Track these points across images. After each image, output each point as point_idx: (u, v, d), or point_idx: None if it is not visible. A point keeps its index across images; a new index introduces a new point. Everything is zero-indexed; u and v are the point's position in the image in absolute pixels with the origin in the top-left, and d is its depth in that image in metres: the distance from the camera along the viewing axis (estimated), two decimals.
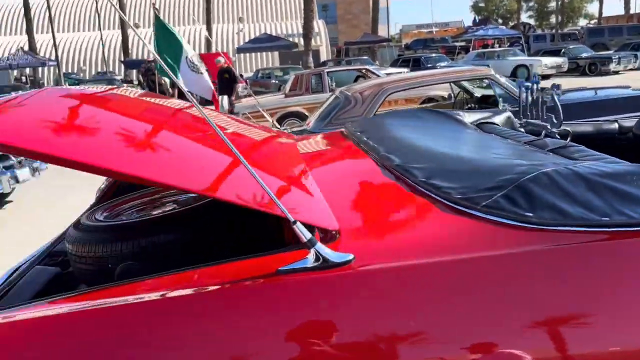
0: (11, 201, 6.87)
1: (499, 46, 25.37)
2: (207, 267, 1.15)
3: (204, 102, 11.11)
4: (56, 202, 6.93)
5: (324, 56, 33.93)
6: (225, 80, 11.96)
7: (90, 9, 38.54)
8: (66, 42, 35.06)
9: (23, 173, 6.29)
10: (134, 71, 29.45)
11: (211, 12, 29.82)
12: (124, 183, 2.50)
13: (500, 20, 49.73)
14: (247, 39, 33.85)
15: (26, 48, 26.54)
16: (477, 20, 38.76)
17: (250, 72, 27.18)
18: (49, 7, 22.85)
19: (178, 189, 1.11)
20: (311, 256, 1.05)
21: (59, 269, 1.80)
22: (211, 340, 1.01)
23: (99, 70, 34.12)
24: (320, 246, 1.05)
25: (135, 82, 23.96)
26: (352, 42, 30.97)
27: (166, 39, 11.18)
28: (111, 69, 33.58)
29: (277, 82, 18.99)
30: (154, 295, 1.08)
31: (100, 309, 1.06)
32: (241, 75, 18.69)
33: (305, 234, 1.04)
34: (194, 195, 1.92)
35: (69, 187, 7.66)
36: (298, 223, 1.05)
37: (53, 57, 26.98)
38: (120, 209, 1.89)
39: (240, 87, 14.48)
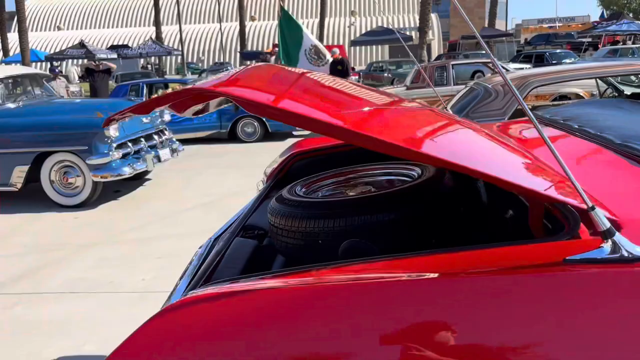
0: (150, 179, 7.34)
1: (632, 43, 23.31)
2: (469, 250, 1.08)
3: None
4: (190, 180, 7.31)
5: (435, 50, 33.17)
6: (338, 72, 12.04)
7: (211, 1, 40.51)
8: (187, 33, 37.09)
9: (164, 153, 6.68)
10: (248, 62, 30.63)
11: (326, 5, 30.14)
12: (298, 163, 2.53)
13: (631, 15, 45.77)
14: (358, 33, 33.94)
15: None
16: (605, 15, 35.91)
17: (360, 65, 27.22)
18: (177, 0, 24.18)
19: (459, 170, 1.05)
20: (607, 247, 0.94)
21: (256, 241, 1.83)
22: (476, 333, 0.94)
23: (216, 60, 35.79)
24: (620, 237, 0.93)
25: None
26: (470, 36, 29.89)
27: (290, 31, 11.60)
28: (227, 60, 35.09)
29: (389, 75, 18.80)
30: (413, 276, 1.02)
31: (355, 284, 1.02)
32: (353, 69, 18.71)
33: (604, 222, 0.94)
34: (390, 177, 1.87)
35: (200, 168, 8.07)
36: (597, 209, 0.94)
37: (175, 47, 28.71)
38: (315, 187, 1.88)
39: (352, 80, 14.51)
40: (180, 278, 1.75)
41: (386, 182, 1.85)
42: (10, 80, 6.69)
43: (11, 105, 6.35)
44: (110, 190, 6.52)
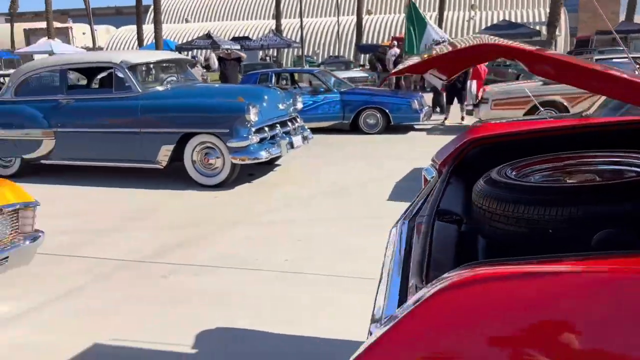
0: (279, 165, 7.51)
1: None
2: None
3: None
4: (317, 168, 7.39)
5: (561, 46, 31.09)
6: None
7: None
8: (304, 26, 37.78)
9: (297, 140, 6.79)
10: (362, 55, 30.66)
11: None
12: (476, 149, 2.40)
13: None
14: (477, 27, 32.66)
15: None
16: None
17: None
18: None
19: None
20: None
21: (456, 226, 1.74)
22: None
23: (331, 53, 36.15)
24: None
25: (367, 66, 24.79)
26: (605, 32, 27.63)
27: (417, 24, 11.48)
28: (341, 53, 35.32)
29: (514, 71, 17.84)
30: None
31: None
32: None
33: None
34: (619, 167, 1.69)
35: (327, 156, 8.14)
36: None
37: (294, 39, 29.36)
38: (527, 171, 1.75)
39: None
40: (390, 259, 1.67)
41: (611, 172, 1.67)
42: (160, 65, 7.13)
43: (160, 88, 6.77)
44: (244, 174, 6.74)
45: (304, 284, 3.68)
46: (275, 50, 32.20)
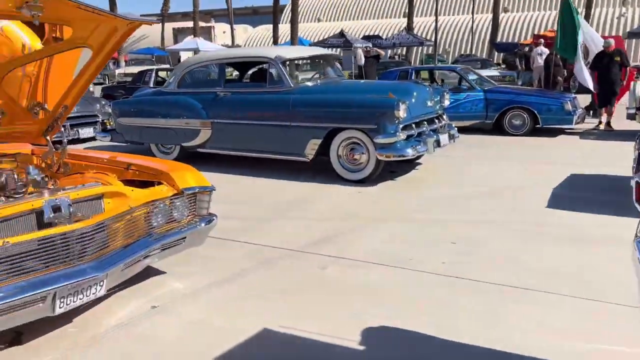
0: (421, 163, 7.32)
1: None
2: None
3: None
4: (461, 168, 7.10)
5: None
6: (615, 63, 10.59)
7: None
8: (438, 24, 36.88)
9: (444, 138, 6.58)
10: (496, 53, 29.29)
11: None
12: None
13: None
14: (629, 25, 29.79)
15: None
16: None
17: (636, 60, 23.79)
18: None
19: None
20: None
21: None
22: None
23: (462, 52, 35.01)
24: None
25: (503, 65, 23.66)
26: None
27: (570, 23, 10.79)
28: (473, 52, 34.06)
29: None
30: None
31: None
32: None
33: None
34: None
35: (469, 156, 7.81)
36: None
37: (426, 38, 28.84)
38: None
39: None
40: None
41: None
42: (310, 60, 7.28)
43: (309, 83, 6.89)
44: (386, 171, 6.66)
45: (465, 290, 3.50)
46: (405, 49, 31.87)
